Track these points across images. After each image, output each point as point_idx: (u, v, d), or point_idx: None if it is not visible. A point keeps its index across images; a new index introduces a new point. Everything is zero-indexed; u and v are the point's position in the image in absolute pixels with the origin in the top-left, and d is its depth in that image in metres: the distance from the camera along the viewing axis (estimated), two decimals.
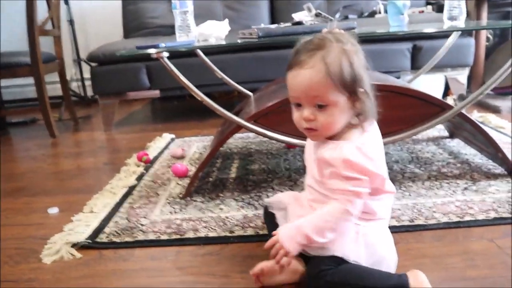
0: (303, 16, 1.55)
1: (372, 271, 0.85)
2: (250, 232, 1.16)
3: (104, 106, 2.57)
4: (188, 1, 1.46)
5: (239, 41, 1.41)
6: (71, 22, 3.40)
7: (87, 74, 3.29)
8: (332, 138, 0.87)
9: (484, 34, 2.62)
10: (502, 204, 1.20)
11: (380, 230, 0.92)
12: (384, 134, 1.33)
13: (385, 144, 1.40)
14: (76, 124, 2.87)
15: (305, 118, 0.84)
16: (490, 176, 1.41)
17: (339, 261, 0.85)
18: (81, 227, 1.25)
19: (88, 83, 3.45)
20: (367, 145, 0.84)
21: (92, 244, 1.15)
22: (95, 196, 1.49)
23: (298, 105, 0.86)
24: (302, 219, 0.87)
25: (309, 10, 1.49)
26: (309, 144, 0.96)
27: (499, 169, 1.46)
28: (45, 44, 2.68)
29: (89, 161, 2.00)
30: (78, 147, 2.35)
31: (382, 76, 1.67)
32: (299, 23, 1.45)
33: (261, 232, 1.14)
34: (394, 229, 1.09)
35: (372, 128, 0.90)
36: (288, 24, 1.47)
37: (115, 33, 3.28)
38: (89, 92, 3.54)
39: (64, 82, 2.84)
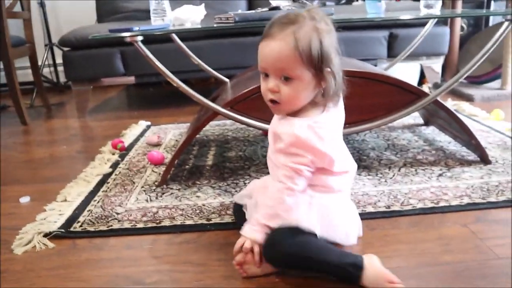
0: (281, 1, 1.53)
1: (330, 247, 0.87)
2: (227, 219, 1.15)
3: (78, 93, 2.50)
4: None
5: (215, 25, 1.39)
6: (41, 4, 3.28)
7: (60, 59, 3.19)
8: (293, 115, 0.89)
9: (458, 23, 2.66)
10: (475, 190, 1.23)
11: (336, 200, 0.93)
12: (361, 121, 1.36)
13: (362, 131, 1.42)
14: (48, 111, 2.78)
15: (269, 88, 0.86)
16: (464, 162, 1.44)
17: (295, 232, 0.86)
18: (54, 216, 1.22)
19: (61, 68, 3.36)
20: (320, 124, 0.86)
21: (65, 234, 1.12)
22: (68, 185, 1.45)
23: (266, 76, 0.87)
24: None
25: None
26: (273, 120, 0.97)
27: (472, 156, 1.48)
28: (14, 28, 2.58)
29: (62, 149, 1.95)
30: (51, 134, 2.29)
31: (360, 63, 1.67)
32: (276, 8, 1.43)
33: None
34: (370, 215, 1.11)
35: (335, 110, 0.91)
36: (265, 9, 1.45)
37: (88, 17, 3.18)
38: (62, 78, 3.44)
39: (35, 67, 2.75)
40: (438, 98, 1.35)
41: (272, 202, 0.88)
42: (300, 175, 0.86)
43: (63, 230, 1.13)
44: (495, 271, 0.88)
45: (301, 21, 0.83)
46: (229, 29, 2.15)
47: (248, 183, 1.35)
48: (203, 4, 1.54)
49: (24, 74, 2.96)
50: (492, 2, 2.85)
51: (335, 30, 0.86)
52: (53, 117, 2.66)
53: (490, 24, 2.90)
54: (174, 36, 1.80)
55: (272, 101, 0.87)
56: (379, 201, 1.20)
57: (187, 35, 2.20)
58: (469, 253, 0.94)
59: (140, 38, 1.22)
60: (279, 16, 0.86)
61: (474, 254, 0.94)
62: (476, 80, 2.56)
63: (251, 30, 2.35)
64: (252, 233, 0.88)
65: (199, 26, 1.44)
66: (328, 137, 0.87)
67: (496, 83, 2.49)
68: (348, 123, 1.31)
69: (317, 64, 0.83)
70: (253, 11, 1.64)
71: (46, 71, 3.39)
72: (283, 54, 0.82)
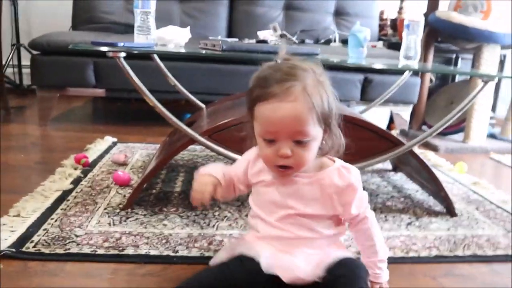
0: (268, 34, 1.53)
1: None
2: (194, 252, 1.09)
3: (42, 99, 2.38)
4: (152, 2, 1.40)
5: (203, 52, 1.36)
6: (14, 2, 3.15)
7: (25, 61, 3.06)
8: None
9: (428, 75, 2.77)
10: (443, 242, 1.24)
11: None
12: None
13: None
14: (7, 115, 2.63)
15: (282, 155, 0.78)
16: (431, 213, 1.46)
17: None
18: (5, 232, 1.12)
19: (25, 70, 3.21)
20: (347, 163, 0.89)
21: (16, 254, 1.03)
22: (23, 198, 1.34)
23: (270, 140, 0.80)
24: (371, 253, 0.92)
25: (275, 30, 1.48)
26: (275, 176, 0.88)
27: (439, 207, 1.51)
28: None
29: (19, 157, 1.83)
30: (8, 140, 2.15)
31: (340, 105, 1.68)
32: (264, 41, 1.43)
33: (206, 254, 1.09)
34: None
35: None
36: (253, 41, 1.45)
37: (61, 23, 3.08)
38: (26, 81, 3.29)
39: None
40: (414, 148, 1.38)
41: (380, 238, 0.91)
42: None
43: (13, 250, 1.04)
44: None
45: (302, 75, 0.78)
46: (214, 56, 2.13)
47: (218, 215, 1.32)
48: (188, 27, 1.52)
49: None
50: (460, 60, 3.01)
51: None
52: (12, 121, 2.52)
53: (457, 79, 3.05)
54: (156, 56, 1.76)
55: (283, 166, 0.81)
56: (350, 246, 1.18)
57: (167, 55, 2.16)
58: None
59: (123, 54, 1.18)
60: (269, 69, 0.80)
61: None
62: (442, 131, 2.65)
63: (232, 58, 2.35)
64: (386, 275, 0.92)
65: (183, 50, 1.41)
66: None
67: (459, 136, 2.60)
68: None
69: (327, 119, 0.81)
70: (235, 39, 1.64)
71: (9, 71, 3.24)
72: (301, 116, 0.76)
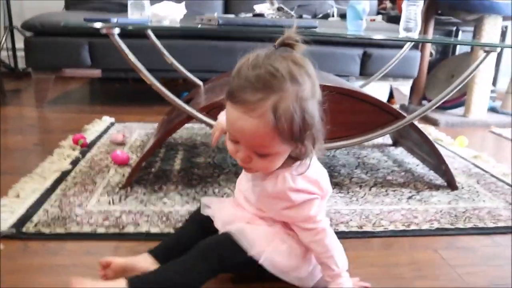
0: (265, 8, 1.50)
1: None
2: None
3: (38, 81, 2.36)
4: None
5: (199, 26, 1.33)
6: None
7: (19, 44, 3.01)
8: None
9: (428, 49, 2.73)
10: (444, 215, 1.24)
11: None
12: (337, 138, 1.34)
13: (337, 148, 1.41)
14: (3, 98, 2.60)
15: (240, 160, 0.76)
16: (432, 186, 1.45)
17: None
18: (5, 213, 1.11)
19: (20, 54, 3.17)
20: (307, 171, 0.80)
21: (16, 234, 1.02)
22: (22, 179, 1.34)
23: (234, 140, 0.76)
24: (325, 268, 0.84)
25: (272, 3, 1.45)
26: (250, 177, 0.88)
27: (439, 180, 1.50)
28: None
29: (16, 139, 1.82)
30: (5, 123, 2.13)
31: (338, 79, 1.66)
32: (260, 15, 1.40)
33: None
34: (343, 235, 1.09)
35: None
36: (249, 14, 1.42)
37: (54, 3, 3.03)
38: (21, 64, 3.24)
39: None
40: (414, 121, 1.36)
41: (332, 252, 0.83)
42: (318, 212, 0.82)
43: (14, 230, 1.04)
44: None
45: (281, 88, 0.69)
46: (207, 31, 2.09)
47: (218, 192, 1.31)
48: (184, 3, 1.48)
49: None
50: (460, 32, 2.96)
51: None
52: (8, 104, 2.49)
53: (457, 52, 3.01)
54: (150, 32, 1.73)
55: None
56: (351, 220, 1.18)
57: (163, 33, 2.13)
58: (440, 280, 0.94)
59: (117, 30, 1.15)
60: (249, 71, 0.70)
61: (446, 281, 0.94)
62: (442, 105, 2.63)
63: (229, 34, 2.31)
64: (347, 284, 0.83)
65: (178, 25, 1.38)
66: (318, 176, 0.82)
67: (460, 110, 2.58)
68: (325, 139, 1.29)
69: (297, 137, 0.72)
70: (232, 15, 1.60)
71: (3, 54, 3.19)
72: (259, 134, 0.70)
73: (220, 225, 0.89)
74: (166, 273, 0.79)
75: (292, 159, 0.79)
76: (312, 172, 0.81)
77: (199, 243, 0.82)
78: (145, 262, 0.86)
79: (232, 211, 0.91)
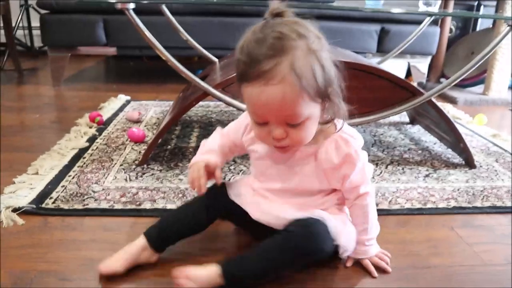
0: None
1: None
2: None
3: (54, 59, 2.37)
4: None
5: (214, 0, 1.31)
6: None
7: (35, 23, 3.02)
8: None
9: (448, 24, 2.66)
10: (461, 194, 1.22)
11: None
12: (355, 115, 1.32)
13: (356, 125, 1.39)
14: (20, 76, 2.64)
15: (275, 137, 0.72)
16: (450, 165, 1.43)
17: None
18: (25, 190, 1.14)
19: (36, 32, 3.18)
20: (351, 130, 0.82)
21: (36, 210, 1.04)
22: (41, 157, 1.36)
23: (262, 123, 0.73)
24: (362, 231, 0.86)
25: None
26: (270, 149, 0.82)
27: (457, 159, 1.48)
28: None
29: (34, 117, 1.84)
30: (22, 101, 2.16)
31: (354, 55, 1.63)
32: None
33: None
34: None
35: None
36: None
37: None
38: (37, 43, 3.26)
39: (8, 27, 2.59)
40: (432, 98, 1.34)
41: (372, 216, 0.86)
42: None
43: (34, 206, 1.06)
44: (483, 277, 0.87)
45: (291, 47, 0.67)
46: (222, 6, 2.06)
47: (234, 169, 1.31)
48: None
49: None
50: (482, 7, 2.87)
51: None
52: (25, 82, 2.52)
53: (478, 28, 2.92)
54: (165, 8, 1.71)
55: (279, 146, 0.75)
56: None
57: (178, 10, 2.11)
58: (457, 257, 0.93)
59: (132, 5, 1.14)
60: (254, 44, 0.68)
61: (462, 258, 0.93)
62: (461, 83, 2.57)
63: (244, 10, 2.28)
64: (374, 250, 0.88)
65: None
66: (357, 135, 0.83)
67: (479, 88, 2.52)
68: None
69: (324, 93, 0.71)
70: None
71: (19, 33, 3.21)
72: (289, 100, 0.67)
73: (260, 215, 0.85)
74: (260, 263, 0.77)
75: (326, 123, 0.79)
76: (352, 132, 0.81)
77: (289, 232, 0.78)
78: (145, 255, 0.85)
79: (269, 202, 0.86)
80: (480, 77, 2.51)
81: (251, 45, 0.68)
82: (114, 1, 1.13)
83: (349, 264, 0.88)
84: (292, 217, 0.81)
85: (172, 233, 0.87)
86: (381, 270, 0.87)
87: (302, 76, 0.67)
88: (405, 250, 0.95)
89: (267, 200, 0.87)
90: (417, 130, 1.80)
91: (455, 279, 0.86)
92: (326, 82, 0.71)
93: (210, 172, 0.87)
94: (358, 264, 0.88)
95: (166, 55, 1.25)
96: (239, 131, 0.90)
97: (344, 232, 0.84)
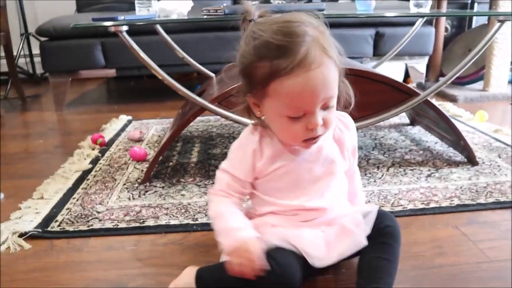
0: None
1: None
2: None
3: (55, 85, 2.40)
4: None
5: (204, 16, 1.34)
6: None
7: (36, 50, 3.08)
8: None
9: (443, 24, 2.67)
10: (464, 191, 1.22)
11: None
12: (354, 120, 1.33)
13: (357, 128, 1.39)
14: (23, 104, 2.67)
15: (315, 126, 0.70)
16: (452, 163, 1.43)
17: None
18: (30, 215, 1.15)
19: (37, 59, 3.24)
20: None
21: (42, 234, 1.06)
22: (45, 181, 1.38)
23: (298, 117, 0.70)
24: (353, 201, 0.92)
25: None
26: (298, 155, 0.79)
27: (459, 157, 1.48)
28: None
29: (38, 143, 1.87)
30: (26, 128, 2.19)
31: (349, 60, 1.65)
32: (267, 2, 1.40)
33: None
34: None
35: None
36: (256, 2, 1.41)
37: (67, 7, 3.08)
38: (38, 70, 3.32)
39: (10, 57, 2.63)
40: (429, 98, 1.34)
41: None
42: None
43: (39, 230, 1.07)
44: (489, 274, 0.86)
45: (307, 31, 0.68)
46: (216, 22, 2.09)
47: None
48: None
49: None
50: (476, 4, 2.88)
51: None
52: (29, 109, 2.56)
53: (473, 25, 2.93)
54: (159, 28, 1.74)
55: (312, 138, 0.73)
56: (369, 201, 1.17)
57: (172, 28, 2.14)
58: (462, 256, 0.93)
59: (125, 28, 1.16)
60: (269, 38, 0.68)
61: (467, 257, 0.93)
62: (460, 81, 2.57)
63: (237, 24, 2.30)
64: None
65: (186, 17, 1.38)
66: None
67: (478, 85, 2.51)
68: None
69: (342, 72, 0.74)
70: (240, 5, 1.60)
71: (21, 61, 3.27)
72: (331, 81, 0.69)
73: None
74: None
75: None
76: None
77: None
78: None
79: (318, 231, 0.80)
80: (478, 74, 2.50)
81: (270, 40, 0.67)
82: (108, 24, 1.15)
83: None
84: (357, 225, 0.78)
85: None
86: None
87: (332, 54, 0.69)
88: (410, 252, 0.95)
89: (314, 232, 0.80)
90: (417, 131, 1.80)
91: (461, 278, 0.85)
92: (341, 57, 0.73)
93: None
94: None
95: (161, 74, 1.27)
96: (247, 163, 0.79)
97: None
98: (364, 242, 0.77)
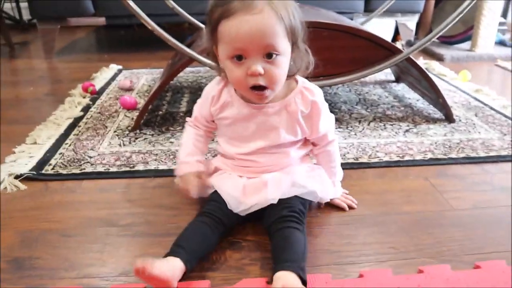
0: None
1: None
2: None
3: (43, 32, 2.39)
4: None
5: None
6: None
7: None
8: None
9: None
10: (438, 147, 1.29)
11: None
12: (336, 75, 1.37)
13: (335, 84, 1.44)
14: (12, 51, 2.65)
15: (254, 72, 0.75)
16: (430, 120, 1.50)
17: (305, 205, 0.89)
18: (24, 158, 1.20)
19: (23, 5, 3.17)
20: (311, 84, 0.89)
21: (37, 176, 1.11)
22: (38, 127, 1.42)
23: (239, 59, 0.76)
24: (330, 174, 0.96)
25: None
26: (241, 111, 0.87)
27: (438, 114, 1.54)
28: None
29: (28, 90, 1.89)
30: (16, 75, 2.20)
31: (336, 15, 1.66)
32: None
33: None
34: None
35: None
36: None
37: None
38: (25, 16, 3.26)
39: None
40: (411, 56, 1.38)
41: (338, 161, 0.98)
42: None
43: (34, 173, 1.13)
44: (449, 221, 0.94)
45: None
46: None
47: None
48: None
49: None
50: None
51: None
52: (17, 56, 2.55)
53: None
54: None
55: (257, 87, 0.78)
56: (348, 153, 1.24)
57: None
58: (428, 204, 1.01)
59: None
60: None
61: (433, 205, 1.01)
62: (448, 40, 2.60)
63: None
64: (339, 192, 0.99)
65: None
66: None
67: (466, 45, 2.55)
68: (322, 76, 1.33)
69: (294, 35, 0.78)
70: None
71: (7, 6, 3.20)
72: (268, 27, 0.73)
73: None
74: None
75: (293, 76, 0.85)
76: (313, 85, 0.89)
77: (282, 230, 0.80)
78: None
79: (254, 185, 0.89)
80: (467, 34, 2.53)
81: None
82: None
83: (322, 205, 0.97)
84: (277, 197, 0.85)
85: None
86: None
87: (278, 10, 0.74)
88: (381, 199, 1.02)
89: (252, 180, 0.89)
90: (401, 88, 1.85)
91: (424, 224, 0.93)
92: (295, 27, 0.78)
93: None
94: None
95: (151, 24, 1.29)
96: (206, 105, 0.92)
97: (322, 184, 0.92)
98: (271, 201, 0.85)
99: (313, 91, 0.87)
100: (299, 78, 0.88)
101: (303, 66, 0.84)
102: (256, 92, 0.79)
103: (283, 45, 0.76)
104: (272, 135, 0.88)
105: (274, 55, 0.75)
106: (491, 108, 1.62)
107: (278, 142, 0.89)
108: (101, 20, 2.41)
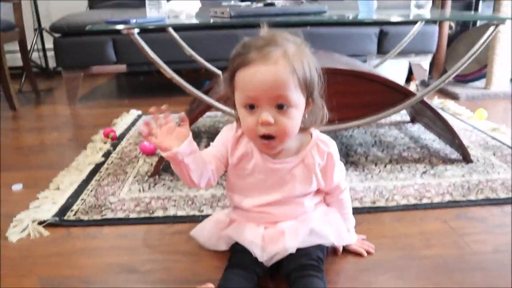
0: None
1: None
2: (218, 211, 1.18)
3: (68, 79, 2.49)
4: None
5: (211, 20, 1.40)
6: None
7: (48, 45, 3.17)
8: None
9: (447, 22, 2.71)
10: (457, 188, 1.28)
11: None
12: (351, 118, 1.39)
13: (351, 127, 1.46)
14: (37, 97, 2.77)
15: (264, 121, 0.76)
16: (447, 161, 1.49)
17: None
18: (48, 204, 1.24)
19: (50, 53, 3.33)
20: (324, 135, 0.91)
21: (59, 222, 1.14)
22: (61, 173, 1.46)
23: (251, 108, 0.78)
24: (344, 220, 0.97)
25: None
26: (260, 164, 0.88)
27: (455, 154, 1.54)
28: (4, 12, 2.55)
29: (53, 136, 1.96)
30: (41, 121, 2.29)
31: (350, 60, 1.71)
32: (271, 4, 1.46)
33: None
34: (356, 211, 1.14)
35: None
36: (260, 4, 1.48)
37: (78, 2, 3.16)
38: (51, 64, 3.41)
39: (24, 52, 2.72)
40: (425, 98, 1.40)
41: (350, 208, 0.99)
42: None
43: (57, 219, 1.16)
44: (471, 265, 0.93)
45: (283, 43, 0.77)
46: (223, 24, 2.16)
47: None
48: None
49: (12, 59, 2.93)
50: (481, 2, 2.91)
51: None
52: (43, 103, 2.65)
53: (478, 24, 2.96)
54: (170, 29, 1.81)
55: (266, 136, 0.79)
56: (365, 196, 1.24)
57: (181, 26, 2.21)
58: (447, 248, 1.00)
59: (136, 30, 1.24)
60: (250, 40, 0.79)
61: (452, 249, 0.99)
62: (462, 79, 2.62)
63: (246, 22, 2.37)
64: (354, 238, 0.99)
65: (195, 19, 1.45)
66: None
67: (481, 83, 2.56)
68: (337, 120, 1.35)
69: (309, 88, 0.79)
70: (247, 3, 1.67)
71: (35, 55, 3.36)
72: (280, 78, 0.75)
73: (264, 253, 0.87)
74: None
75: (307, 129, 0.87)
76: (326, 136, 0.91)
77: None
78: None
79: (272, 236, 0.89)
80: (481, 72, 2.55)
81: (247, 41, 0.78)
82: (121, 28, 1.22)
83: (339, 253, 0.97)
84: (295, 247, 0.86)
85: None
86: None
87: (294, 62, 0.76)
88: (399, 243, 1.02)
89: (270, 235, 0.89)
90: (417, 128, 1.86)
91: (444, 268, 0.92)
92: (312, 79, 0.79)
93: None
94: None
95: (170, 73, 1.34)
96: (226, 144, 0.89)
97: (338, 229, 0.93)
98: (290, 250, 0.85)
99: (328, 143, 0.89)
100: (313, 130, 0.90)
101: (317, 120, 0.86)
102: (264, 141, 0.80)
103: (295, 97, 0.77)
104: (288, 187, 0.90)
105: (285, 107, 0.77)
106: (509, 147, 1.61)
107: (293, 194, 0.90)
108: (122, 67, 2.51)
